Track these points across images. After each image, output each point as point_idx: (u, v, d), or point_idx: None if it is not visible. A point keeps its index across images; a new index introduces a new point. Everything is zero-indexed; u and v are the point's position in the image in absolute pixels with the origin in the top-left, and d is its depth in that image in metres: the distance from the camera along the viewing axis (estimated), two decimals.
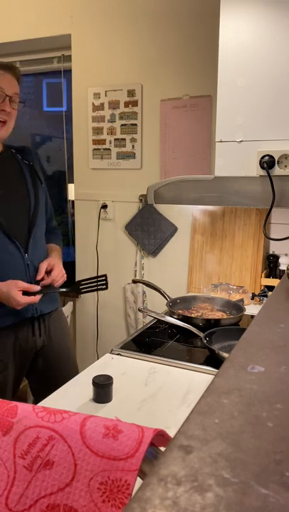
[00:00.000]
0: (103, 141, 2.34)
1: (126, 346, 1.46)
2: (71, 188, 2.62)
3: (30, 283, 1.42)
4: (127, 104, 2.25)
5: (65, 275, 1.54)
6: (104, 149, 2.34)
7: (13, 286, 1.34)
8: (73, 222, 2.57)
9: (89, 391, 1.10)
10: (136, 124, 2.25)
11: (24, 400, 2.60)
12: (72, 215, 2.65)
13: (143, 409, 1.06)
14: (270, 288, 2.00)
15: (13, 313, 1.42)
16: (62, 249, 1.72)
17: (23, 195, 1.51)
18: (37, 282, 1.45)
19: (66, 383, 1.19)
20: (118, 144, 2.31)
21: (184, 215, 2.21)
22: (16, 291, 1.33)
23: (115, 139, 2.31)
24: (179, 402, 1.09)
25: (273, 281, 2.01)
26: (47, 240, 1.63)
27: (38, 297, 1.38)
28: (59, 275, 1.49)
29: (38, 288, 1.37)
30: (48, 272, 1.49)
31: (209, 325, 1.55)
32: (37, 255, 1.50)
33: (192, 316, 1.66)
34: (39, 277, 1.45)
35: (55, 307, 1.61)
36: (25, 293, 1.37)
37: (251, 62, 1.36)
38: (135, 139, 2.27)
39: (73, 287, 1.54)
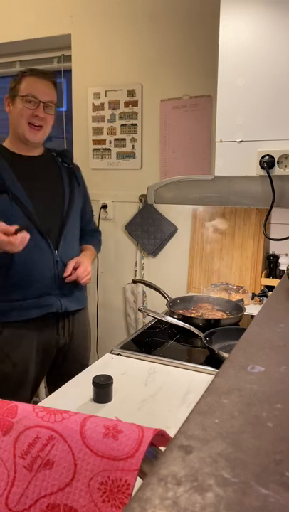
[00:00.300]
0: (103, 141, 2.34)
1: (126, 346, 1.46)
2: None
3: (58, 279, 1.53)
4: (127, 104, 2.25)
5: (90, 273, 1.62)
6: (104, 149, 2.34)
7: None
8: None
9: (89, 391, 1.10)
10: (136, 124, 2.25)
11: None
12: None
13: (143, 409, 1.06)
14: (270, 288, 2.00)
15: (38, 306, 1.50)
16: (98, 251, 1.82)
17: (58, 196, 1.60)
18: (63, 279, 1.54)
19: (66, 383, 1.19)
20: (118, 143, 2.31)
21: (184, 215, 2.21)
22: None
23: (115, 139, 2.31)
24: (179, 402, 1.09)
25: (273, 281, 2.01)
26: (83, 241, 1.73)
27: (15, 237, 1.32)
28: (84, 272, 1.57)
29: (14, 228, 1.33)
30: (75, 269, 1.56)
31: (209, 325, 1.55)
32: (67, 253, 1.57)
33: (192, 316, 1.66)
34: (66, 274, 1.53)
35: (81, 306, 1.67)
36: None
37: (251, 62, 1.36)
38: (135, 139, 2.27)
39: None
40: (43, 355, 1.58)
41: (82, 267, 1.57)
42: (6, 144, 1.59)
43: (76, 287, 1.61)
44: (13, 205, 1.46)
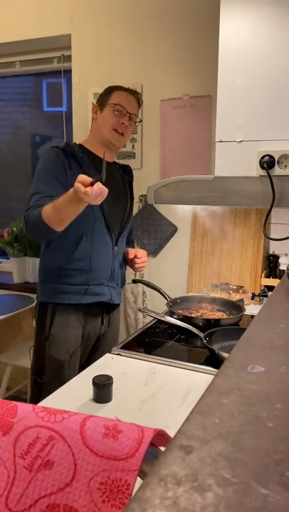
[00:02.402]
0: None
1: (126, 346, 1.46)
2: None
3: (113, 272, 1.69)
4: None
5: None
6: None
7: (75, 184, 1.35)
8: None
9: (89, 391, 1.10)
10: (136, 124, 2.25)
11: (25, 400, 2.60)
12: None
13: (143, 409, 1.06)
14: (270, 288, 2.00)
15: (92, 293, 1.64)
16: None
17: (122, 203, 1.78)
18: (122, 267, 1.78)
19: (66, 383, 1.19)
20: None
21: (184, 215, 2.21)
22: (76, 184, 1.31)
23: None
24: (179, 402, 1.09)
25: (273, 281, 2.01)
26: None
27: (91, 188, 1.29)
28: (145, 257, 1.80)
29: (90, 180, 1.31)
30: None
31: (209, 325, 1.55)
32: (120, 252, 1.76)
33: (192, 316, 1.66)
34: (131, 256, 1.76)
35: (120, 301, 1.84)
36: None
37: (251, 62, 1.36)
38: (135, 139, 2.27)
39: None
40: (87, 342, 1.72)
41: (139, 252, 1.78)
42: (86, 144, 1.71)
43: (123, 283, 1.80)
44: None
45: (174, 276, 2.25)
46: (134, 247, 1.97)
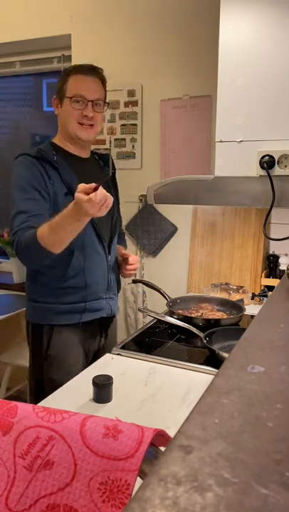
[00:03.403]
0: (103, 141, 2.34)
1: (126, 346, 1.46)
2: None
3: (110, 279, 1.57)
4: (127, 104, 2.25)
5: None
6: (104, 149, 2.34)
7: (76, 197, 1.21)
8: None
9: (89, 391, 1.10)
10: (136, 124, 2.25)
11: (24, 400, 2.60)
12: None
13: (143, 409, 1.06)
14: (270, 288, 2.00)
15: (92, 309, 1.53)
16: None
17: None
18: (116, 278, 1.65)
19: (66, 383, 1.19)
20: (118, 143, 2.31)
21: (184, 215, 2.21)
22: (77, 194, 1.18)
23: (115, 139, 2.31)
24: (179, 402, 1.09)
25: (273, 281, 2.01)
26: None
27: (94, 194, 1.16)
28: (136, 262, 1.67)
29: (93, 185, 1.19)
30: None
31: (209, 325, 1.55)
32: (113, 257, 1.62)
33: (192, 316, 1.66)
34: (121, 258, 1.64)
35: (118, 311, 1.72)
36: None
37: (251, 62, 1.36)
38: (135, 139, 2.27)
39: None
40: (87, 357, 1.60)
41: (134, 257, 1.66)
42: (58, 142, 1.55)
43: (119, 289, 1.69)
44: None
45: (174, 276, 2.25)
46: (125, 241, 1.86)
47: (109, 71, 2.27)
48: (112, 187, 1.65)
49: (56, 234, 1.25)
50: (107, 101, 1.58)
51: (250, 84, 1.37)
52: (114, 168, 1.73)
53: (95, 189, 1.15)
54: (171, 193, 1.56)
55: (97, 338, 1.62)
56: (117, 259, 1.67)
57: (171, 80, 2.14)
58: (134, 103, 2.23)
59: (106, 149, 2.34)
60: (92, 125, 1.50)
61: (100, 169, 1.65)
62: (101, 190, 1.15)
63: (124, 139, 2.29)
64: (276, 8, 1.32)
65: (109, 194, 1.18)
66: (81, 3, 2.27)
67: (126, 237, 2.33)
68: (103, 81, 1.54)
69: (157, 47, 2.14)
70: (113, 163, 1.72)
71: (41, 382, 1.52)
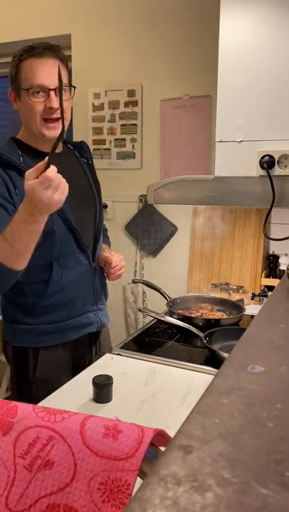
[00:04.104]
0: (103, 141, 2.34)
1: (126, 346, 1.46)
2: None
3: (96, 289, 1.40)
4: (127, 104, 2.25)
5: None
6: (104, 149, 2.34)
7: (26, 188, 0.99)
8: None
9: (89, 391, 1.10)
10: (136, 124, 2.25)
11: None
12: None
13: (143, 409, 1.06)
14: (270, 288, 2.00)
15: (79, 326, 1.37)
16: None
17: (90, 201, 1.41)
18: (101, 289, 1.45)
19: (66, 383, 1.19)
20: (118, 143, 2.31)
21: (184, 215, 2.21)
22: (29, 182, 0.97)
23: (115, 139, 2.31)
24: (179, 402, 1.09)
25: (273, 281, 2.01)
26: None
27: (48, 171, 0.96)
28: (119, 261, 1.45)
29: (44, 161, 0.97)
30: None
31: (209, 325, 1.55)
32: (97, 262, 1.44)
33: (192, 316, 1.66)
34: (102, 264, 1.43)
35: (108, 320, 1.53)
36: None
37: (251, 62, 1.36)
38: (135, 139, 2.27)
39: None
40: (77, 373, 1.39)
41: (117, 258, 1.44)
42: (23, 138, 1.31)
43: (105, 299, 1.51)
44: (55, 217, 1.21)
45: (174, 276, 2.25)
46: (107, 237, 1.63)
47: (110, 71, 2.28)
48: (91, 180, 1.44)
49: (11, 245, 1.04)
50: (72, 84, 1.30)
51: (250, 84, 1.37)
52: (90, 157, 1.48)
53: (47, 167, 0.95)
54: (171, 193, 1.56)
55: (88, 352, 1.47)
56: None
57: (171, 80, 2.14)
58: (134, 103, 2.23)
59: (106, 149, 2.34)
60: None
61: (76, 161, 1.42)
62: (53, 167, 0.95)
63: (124, 139, 2.29)
64: (276, 8, 1.32)
65: (62, 178, 0.98)
66: (81, 3, 2.27)
67: (126, 237, 2.34)
68: (63, 60, 1.24)
69: (157, 47, 2.14)
70: (89, 151, 1.48)
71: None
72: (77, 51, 2.33)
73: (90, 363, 1.44)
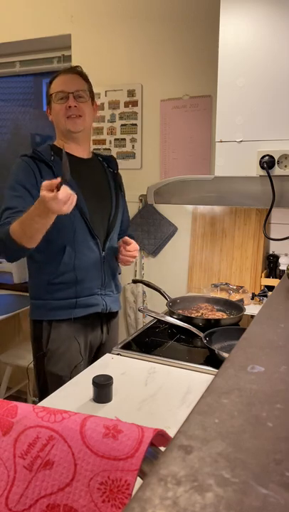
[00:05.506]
0: (103, 141, 2.34)
1: (126, 346, 1.46)
2: None
3: (105, 275, 1.59)
4: (127, 104, 2.25)
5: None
6: (104, 149, 2.34)
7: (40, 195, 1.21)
8: None
9: (89, 391, 1.10)
10: (136, 124, 2.25)
11: (24, 400, 2.60)
12: None
13: (143, 409, 1.06)
14: (270, 288, 2.00)
15: (85, 305, 1.56)
16: None
17: (106, 200, 1.64)
18: (110, 276, 1.64)
19: (66, 383, 1.19)
20: (118, 143, 2.31)
21: (184, 215, 2.21)
22: (42, 193, 1.18)
23: (115, 139, 2.31)
24: (179, 402, 1.09)
25: (273, 281, 2.01)
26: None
27: (59, 192, 1.16)
28: (135, 250, 1.63)
29: (57, 180, 1.18)
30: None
31: (209, 325, 1.55)
32: (110, 255, 1.62)
33: (192, 316, 1.66)
34: (120, 243, 1.62)
35: (119, 308, 1.73)
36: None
37: (251, 62, 1.36)
38: (135, 139, 2.27)
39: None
40: (89, 353, 1.65)
41: (135, 245, 1.61)
42: (56, 144, 1.60)
43: (117, 289, 1.69)
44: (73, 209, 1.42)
45: (174, 276, 2.25)
46: (133, 238, 1.78)
47: (110, 71, 2.28)
48: (112, 186, 1.67)
49: (24, 230, 1.29)
50: (92, 94, 1.61)
51: (250, 84, 1.37)
52: (116, 168, 1.75)
53: (59, 187, 1.15)
54: (171, 193, 1.56)
55: (98, 332, 1.65)
56: (118, 249, 1.65)
57: (171, 80, 2.14)
58: (134, 103, 2.23)
59: (106, 149, 2.34)
60: (80, 116, 1.52)
61: (102, 170, 1.68)
62: (64, 188, 1.16)
63: (124, 139, 2.29)
64: (276, 8, 1.32)
65: (72, 193, 1.18)
66: (81, 3, 2.27)
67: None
68: (82, 75, 1.58)
69: (157, 47, 2.14)
70: (116, 164, 1.75)
71: (44, 377, 1.57)
72: (77, 51, 2.33)
73: (101, 341, 1.68)
